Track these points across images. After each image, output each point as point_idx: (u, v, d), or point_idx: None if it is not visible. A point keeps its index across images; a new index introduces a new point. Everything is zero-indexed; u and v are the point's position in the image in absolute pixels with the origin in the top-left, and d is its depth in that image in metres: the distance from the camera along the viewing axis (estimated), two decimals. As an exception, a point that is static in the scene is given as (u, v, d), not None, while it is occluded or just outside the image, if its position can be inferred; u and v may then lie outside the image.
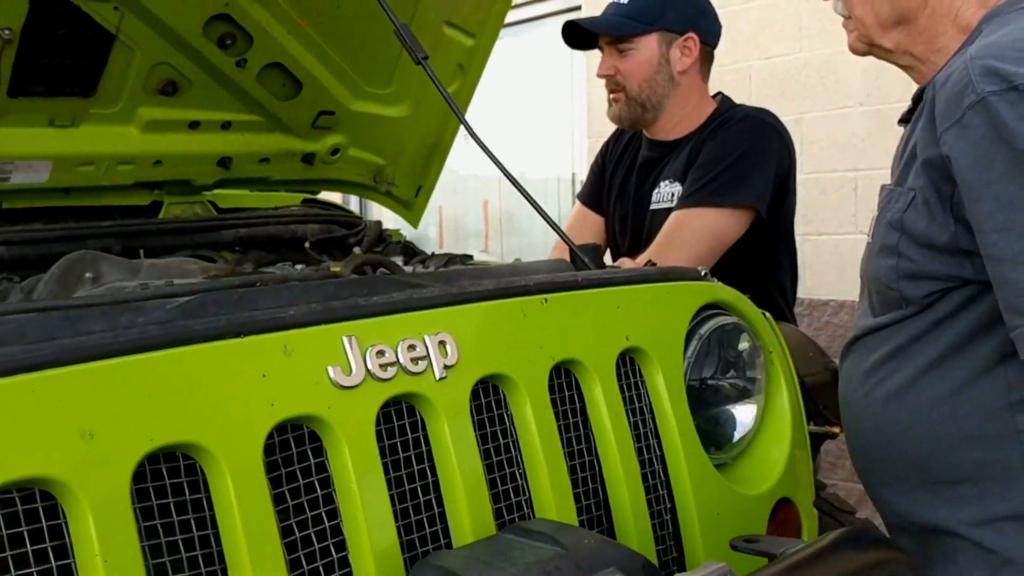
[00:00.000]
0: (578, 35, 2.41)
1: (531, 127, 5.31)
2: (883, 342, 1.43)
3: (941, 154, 1.28)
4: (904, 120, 1.49)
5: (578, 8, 4.90)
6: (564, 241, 1.71)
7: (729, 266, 2.20)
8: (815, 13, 3.85)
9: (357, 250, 2.31)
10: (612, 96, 2.40)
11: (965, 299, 1.33)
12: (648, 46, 2.34)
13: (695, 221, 2.20)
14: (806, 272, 4.16)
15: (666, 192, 2.35)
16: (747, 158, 2.23)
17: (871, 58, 1.59)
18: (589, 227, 2.55)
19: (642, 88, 2.35)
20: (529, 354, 1.34)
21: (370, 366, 1.17)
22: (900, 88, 3.30)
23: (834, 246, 4.01)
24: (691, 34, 2.36)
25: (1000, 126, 1.20)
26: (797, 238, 4.04)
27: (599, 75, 2.41)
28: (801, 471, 1.69)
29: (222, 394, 1.06)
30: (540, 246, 4.64)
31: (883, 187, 1.45)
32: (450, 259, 2.19)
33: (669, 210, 2.29)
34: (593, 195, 2.59)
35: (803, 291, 4.19)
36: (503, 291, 1.36)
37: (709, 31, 2.40)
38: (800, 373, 1.79)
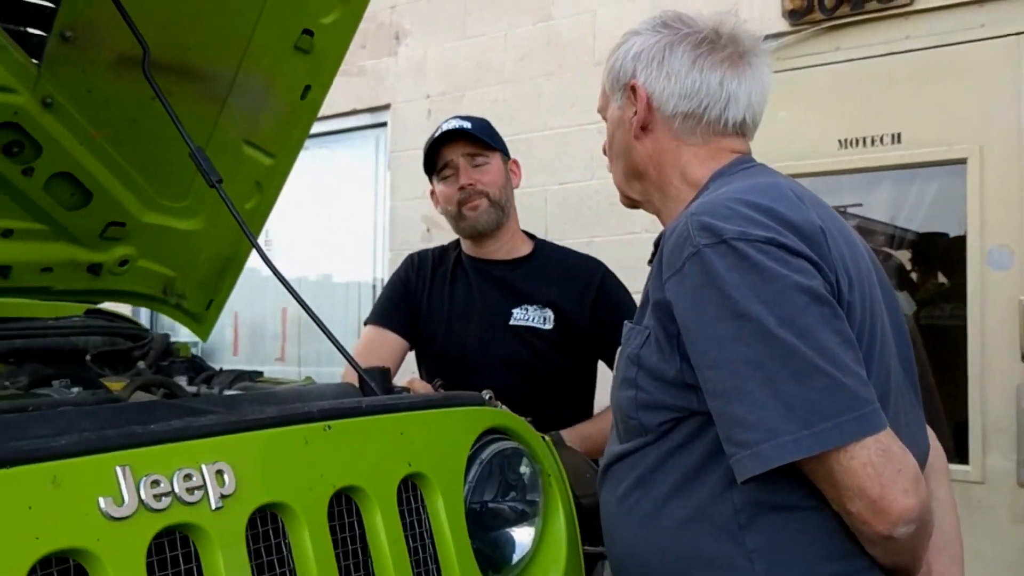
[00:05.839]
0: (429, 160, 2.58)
1: (338, 234, 5.33)
2: (630, 469, 1.51)
3: (666, 298, 1.40)
4: (651, 261, 1.64)
5: (384, 124, 5.03)
6: (352, 366, 1.73)
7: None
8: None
9: (142, 364, 2.26)
10: (471, 205, 2.53)
11: (695, 428, 1.42)
12: (496, 161, 2.58)
13: None
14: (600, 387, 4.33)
15: (535, 315, 2.50)
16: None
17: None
18: (389, 347, 2.54)
19: (502, 192, 2.57)
20: (310, 482, 1.35)
21: (143, 496, 1.15)
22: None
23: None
24: (514, 160, 2.66)
25: (712, 274, 1.33)
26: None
27: (462, 185, 2.52)
28: (574, 591, 1.74)
29: (-19, 529, 1.02)
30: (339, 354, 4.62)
31: (625, 323, 1.57)
32: (237, 377, 2.17)
33: (536, 330, 2.46)
34: (398, 318, 2.58)
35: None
36: (285, 418, 1.36)
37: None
38: (577, 495, 1.87)
